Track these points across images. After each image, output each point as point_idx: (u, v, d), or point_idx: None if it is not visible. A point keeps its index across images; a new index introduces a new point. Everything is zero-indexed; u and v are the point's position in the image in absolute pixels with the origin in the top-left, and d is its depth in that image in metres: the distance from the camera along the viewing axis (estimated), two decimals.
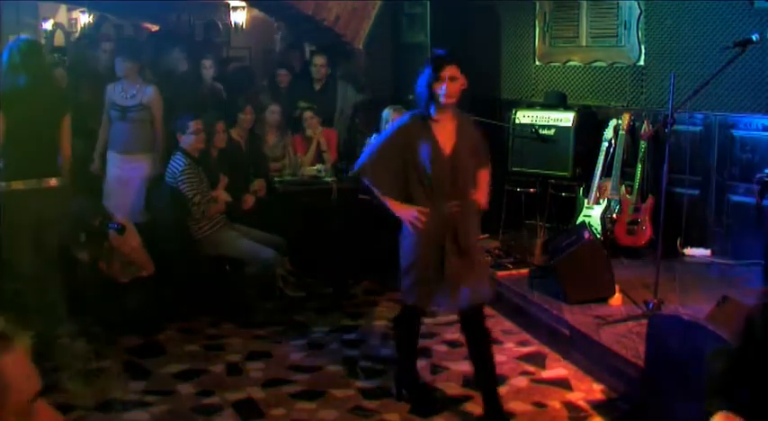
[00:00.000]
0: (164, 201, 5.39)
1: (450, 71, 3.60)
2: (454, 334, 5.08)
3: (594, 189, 5.95)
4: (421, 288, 3.78)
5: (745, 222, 5.44)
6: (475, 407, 3.98)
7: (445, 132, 3.72)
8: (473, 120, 3.99)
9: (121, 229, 5.03)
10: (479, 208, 3.84)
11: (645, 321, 4.13)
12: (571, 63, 6.82)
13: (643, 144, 5.84)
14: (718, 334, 3.32)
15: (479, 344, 3.79)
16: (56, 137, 4.65)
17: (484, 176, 3.90)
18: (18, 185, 4.47)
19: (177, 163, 5.29)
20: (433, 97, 3.63)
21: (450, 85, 3.60)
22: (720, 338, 3.31)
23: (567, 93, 6.71)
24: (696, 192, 5.85)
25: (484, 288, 3.80)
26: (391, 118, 6.02)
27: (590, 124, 6.35)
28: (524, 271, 5.57)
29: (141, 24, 10.27)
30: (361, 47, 7.52)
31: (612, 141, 5.98)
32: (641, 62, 6.20)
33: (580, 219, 5.90)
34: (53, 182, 4.58)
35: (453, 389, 4.23)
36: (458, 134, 3.73)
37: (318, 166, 6.34)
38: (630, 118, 5.97)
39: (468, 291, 3.69)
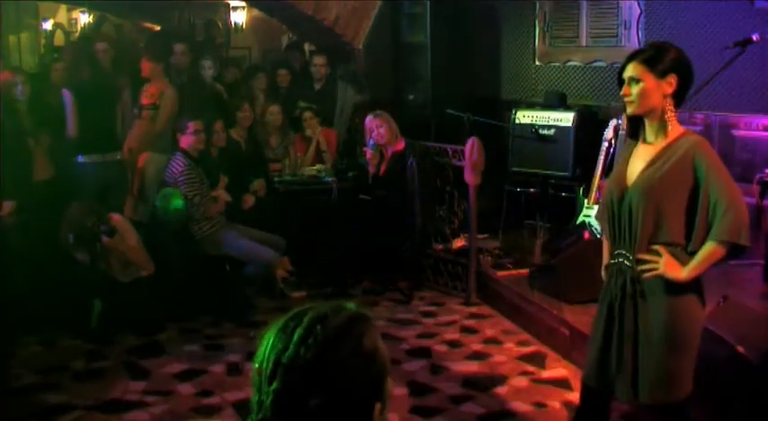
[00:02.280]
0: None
1: (629, 70, 2.71)
2: (454, 334, 5.08)
3: (594, 189, 5.94)
4: (592, 362, 2.92)
5: None
6: (475, 408, 3.98)
7: (643, 156, 2.76)
8: (704, 150, 2.70)
9: (111, 232, 5.02)
10: (674, 277, 2.68)
11: None
12: (571, 63, 6.82)
13: None
14: (718, 334, 3.33)
15: None
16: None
17: (708, 251, 2.67)
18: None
19: (177, 163, 5.28)
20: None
21: (627, 89, 2.71)
22: (720, 338, 3.31)
23: (567, 93, 6.70)
24: None
25: (660, 386, 2.75)
26: (371, 127, 6.01)
27: (590, 124, 6.34)
28: (524, 271, 5.57)
29: (141, 24, 10.26)
30: (361, 47, 7.51)
31: (612, 141, 5.96)
32: None
33: (580, 219, 5.89)
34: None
35: (453, 389, 4.23)
36: (655, 161, 2.70)
37: (318, 166, 6.34)
38: None
39: (646, 383, 2.75)
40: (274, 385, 1.32)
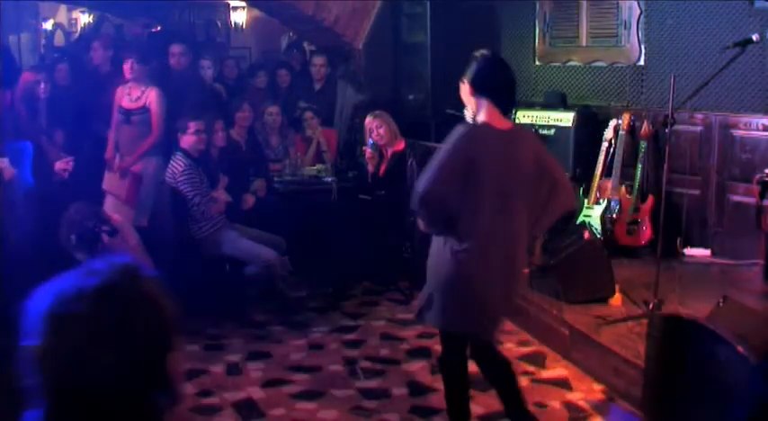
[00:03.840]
0: (164, 201, 5.40)
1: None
2: None
3: (594, 189, 5.95)
4: None
5: (745, 222, 5.44)
6: (475, 408, 3.98)
7: None
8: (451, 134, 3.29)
9: (112, 232, 5.02)
10: None
11: (645, 321, 4.14)
12: (571, 63, 6.82)
13: (643, 144, 5.83)
14: (718, 334, 3.33)
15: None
16: None
17: None
18: None
19: (177, 163, 5.29)
20: None
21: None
22: (720, 338, 3.31)
23: (567, 93, 6.71)
24: (696, 192, 5.84)
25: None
26: (371, 127, 6.00)
27: (590, 124, 6.35)
28: (524, 271, 5.56)
29: (139, 24, 10.26)
30: (361, 47, 7.51)
31: (612, 141, 5.98)
32: (641, 62, 6.19)
33: (580, 219, 5.90)
34: None
35: None
36: None
37: (318, 166, 6.35)
38: (630, 118, 5.96)
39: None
40: (59, 356, 1.18)
